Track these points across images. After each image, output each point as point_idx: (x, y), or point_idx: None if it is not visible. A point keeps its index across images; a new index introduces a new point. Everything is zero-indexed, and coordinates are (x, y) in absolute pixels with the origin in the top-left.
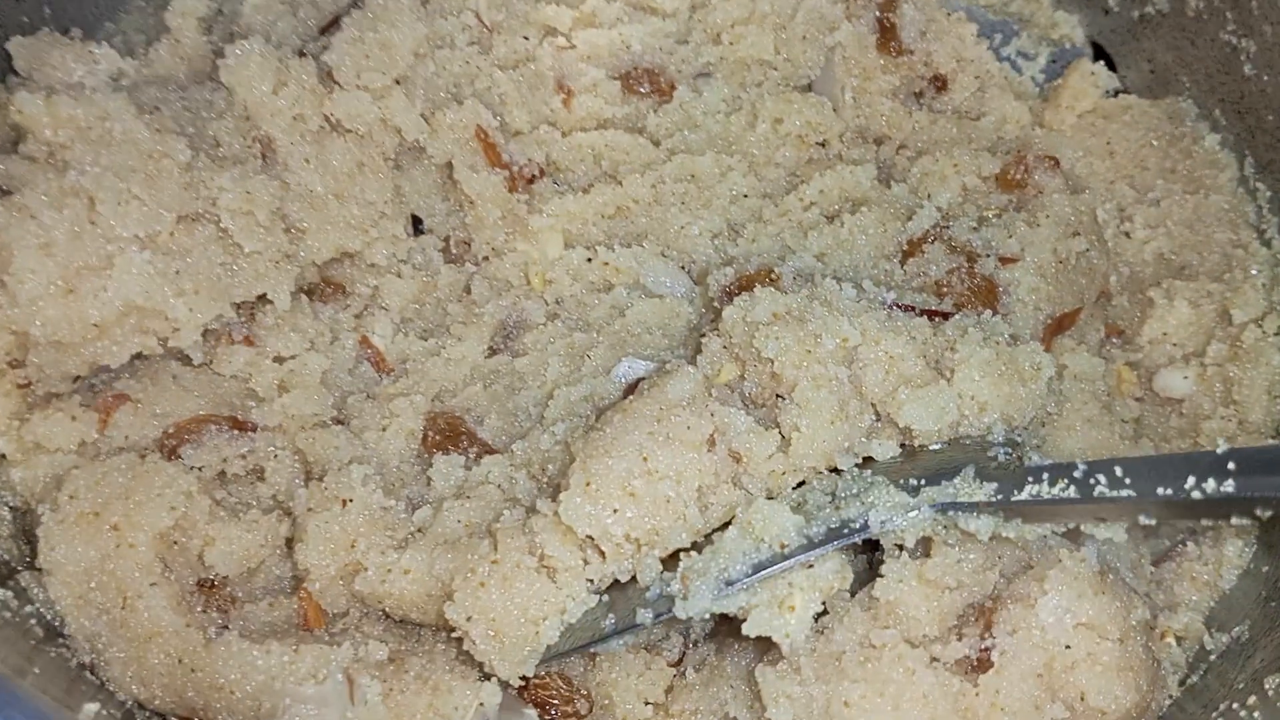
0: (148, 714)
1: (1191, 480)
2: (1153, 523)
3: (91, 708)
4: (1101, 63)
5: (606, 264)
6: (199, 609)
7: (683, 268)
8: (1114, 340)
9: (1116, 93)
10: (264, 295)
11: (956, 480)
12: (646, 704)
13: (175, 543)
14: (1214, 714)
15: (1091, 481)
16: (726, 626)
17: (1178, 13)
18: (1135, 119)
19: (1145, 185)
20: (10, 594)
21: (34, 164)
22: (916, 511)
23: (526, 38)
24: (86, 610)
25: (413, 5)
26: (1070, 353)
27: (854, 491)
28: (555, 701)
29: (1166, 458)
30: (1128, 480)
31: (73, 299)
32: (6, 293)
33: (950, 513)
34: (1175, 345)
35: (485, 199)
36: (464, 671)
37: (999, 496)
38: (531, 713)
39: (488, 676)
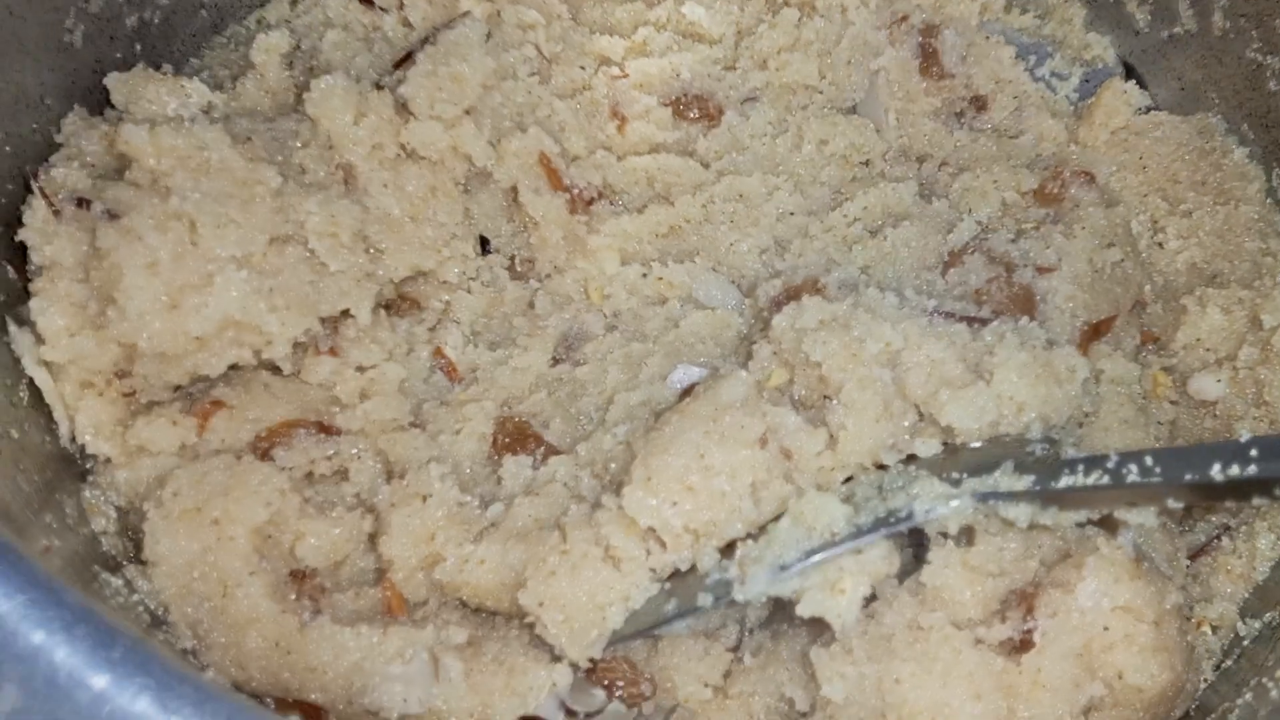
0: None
1: (1217, 466)
2: (1181, 506)
3: (210, 673)
4: (1133, 81)
5: (661, 279)
6: (292, 597)
7: (733, 282)
8: (1149, 346)
9: (1148, 110)
10: (347, 310)
11: (996, 473)
12: (706, 686)
13: (269, 536)
14: (1245, 690)
15: (1124, 471)
16: (780, 614)
17: (1205, 32)
18: (1166, 134)
19: (1177, 198)
20: (121, 582)
21: (139, 190)
22: (958, 501)
23: (583, 68)
24: (189, 599)
25: (480, 40)
26: (1107, 358)
27: (899, 485)
28: (621, 683)
29: (1194, 448)
30: (1157, 469)
31: (176, 314)
32: (117, 308)
33: (990, 502)
34: (1208, 350)
35: (549, 220)
36: (537, 655)
37: (1037, 487)
38: (600, 693)
39: (558, 659)
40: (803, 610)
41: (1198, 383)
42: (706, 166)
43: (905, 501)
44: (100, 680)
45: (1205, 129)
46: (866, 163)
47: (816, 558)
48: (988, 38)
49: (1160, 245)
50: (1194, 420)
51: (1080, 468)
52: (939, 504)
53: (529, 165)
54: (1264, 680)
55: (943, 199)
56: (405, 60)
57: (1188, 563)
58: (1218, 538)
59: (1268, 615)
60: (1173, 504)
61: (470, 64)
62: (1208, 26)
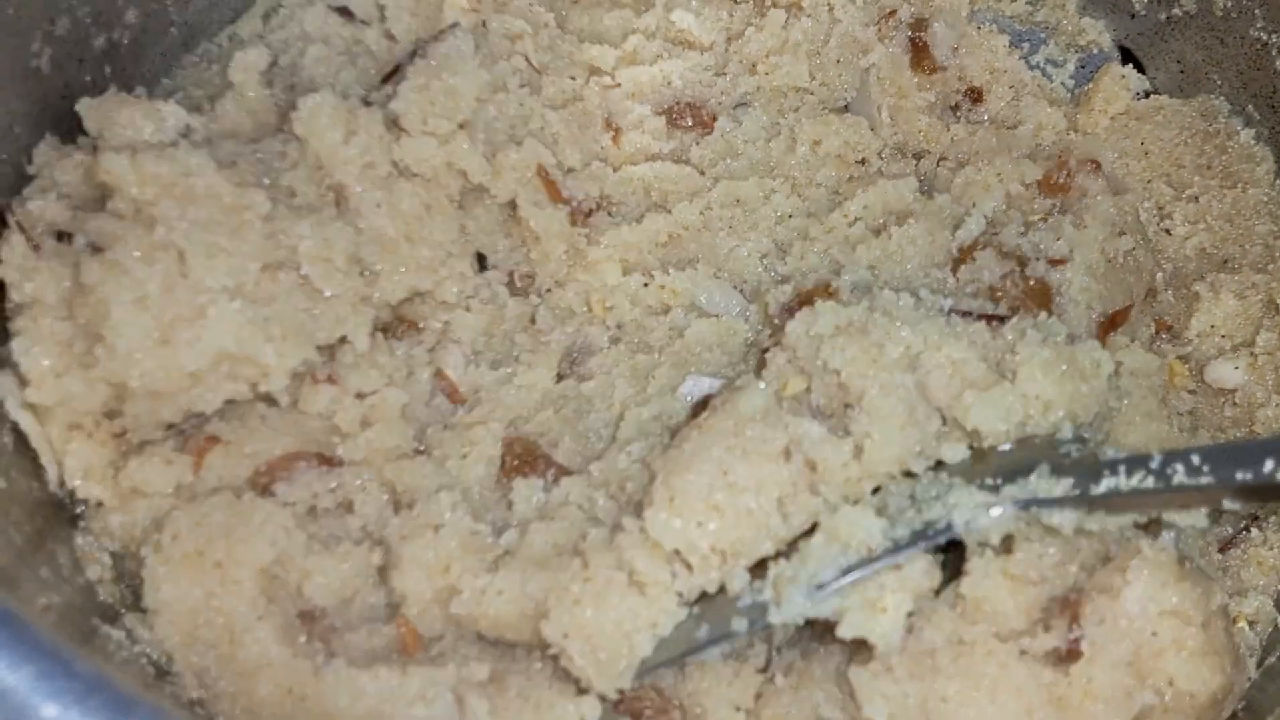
0: None
1: (1270, 464)
2: (1237, 507)
3: None
4: (1130, 65)
5: (663, 287)
6: (302, 640)
7: (735, 287)
8: (1163, 335)
9: (1147, 94)
10: (344, 336)
11: (1033, 477)
12: (738, 710)
13: (275, 577)
14: None
15: (1169, 471)
16: (810, 631)
17: (1205, 13)
18: (1168, 118)
19: (1182, 183)
20: (123, 634)
21: (123, 221)
22: (1000, 509)
23: (573, 78)
24: (195, 647)
25: (471, 52)
26: (1125, 349)
27: (933, 494)
28: (650, 712)
29: (1242, 444)
30: (1205, 468)
31: (168, 350)
32: (105, 346)
33: (1033, 509)
34: (1224, 337)
35: (551, 234)
36: (562, 688)
37: (1077, 491)
38: None
39: (585, 691)
40: (844, 632)
41: (1215, 371)
42: (702, 173)
43: (943, 512)
44: None
45: (1208, 111)
46: (863, 161)
47: (854, 575)
48: (979, 27)
49: (1168, 232)
50: (1214, 409)
51: (1122, 469)
52: (979, 513)
53: (526, 179)
54: None
55: (944, 194)
56: (393, 74)
57: (1218, 556)
58: (1246, 529)
59: None
60: (1228, 504)
61: (463, 77)
62: (1209, 6)
